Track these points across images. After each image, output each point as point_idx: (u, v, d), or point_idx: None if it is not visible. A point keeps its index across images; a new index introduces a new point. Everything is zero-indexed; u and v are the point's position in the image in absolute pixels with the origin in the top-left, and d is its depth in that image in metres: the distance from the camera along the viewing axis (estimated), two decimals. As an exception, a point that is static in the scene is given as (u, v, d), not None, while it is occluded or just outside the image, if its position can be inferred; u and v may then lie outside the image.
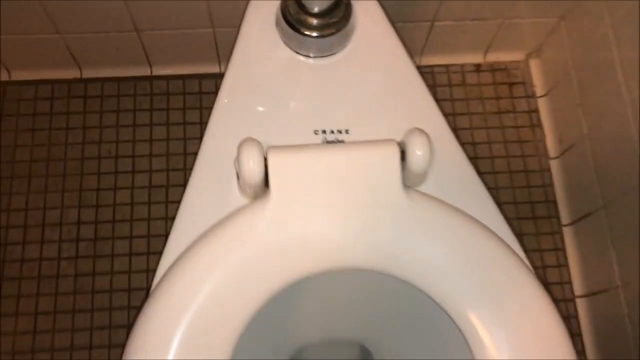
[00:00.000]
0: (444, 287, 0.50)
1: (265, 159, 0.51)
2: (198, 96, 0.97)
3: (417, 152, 0.51)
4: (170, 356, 0.47)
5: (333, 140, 0.56)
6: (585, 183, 0.87)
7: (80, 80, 0.96)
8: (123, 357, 0.49)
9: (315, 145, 0.55)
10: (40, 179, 0.92)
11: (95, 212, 0.91)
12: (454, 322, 0.50)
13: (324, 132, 0.56)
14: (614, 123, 0.79)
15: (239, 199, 0.54)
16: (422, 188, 0.55)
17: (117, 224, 0.90)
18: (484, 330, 0.48)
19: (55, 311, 0.87)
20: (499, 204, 0.94)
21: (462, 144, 0.98)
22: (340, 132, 0.56)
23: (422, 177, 0.54)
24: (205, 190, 0.55)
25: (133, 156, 0.93)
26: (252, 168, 0.50)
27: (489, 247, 0.50)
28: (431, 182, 0.55)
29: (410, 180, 0.53)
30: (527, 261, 0.53)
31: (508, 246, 0.51)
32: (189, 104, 0.96)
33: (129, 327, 0.85)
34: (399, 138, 0.54)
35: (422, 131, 0.52)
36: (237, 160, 0.51)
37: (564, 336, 0.49)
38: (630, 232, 0.76)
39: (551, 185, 0.95)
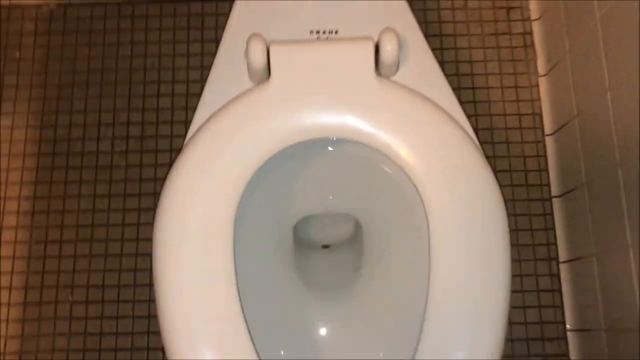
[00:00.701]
0: (403, 152, 0.64)
1: (268, 51, 0.66)
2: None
3: (387, 46, 0.65)
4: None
5: (324, 38, 0.70)
6: (564, 97, 0.98)
7: (128, 3, 1.11)
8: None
9: (309, 40, 0.69)
10: (95, 86, 1.08)
11: (142, 114, 1.07)
12: (412, 182, 0.65)
13: (317, 32, 0.70)
14: (586, 40, 0.90)
15: (249, 84, 0.69)
16: (394, 78, 0.69)
17: (160, 125, 1.07)
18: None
19: (110, 194, 1.05)
20: (491, 115, 1.08)
21: (460, 62, 1.09)
22: (331, 32, 0.70)
23: (393, 68, 0.68)
24: (223, 75, 0.70)
25: (173, 68, 1.09)
26: (257, 56, 0.64)
27: (441, 122, 0.64)
28: (401, 74, 0.69)
29: (384, 70, 0.67)
30: (475, 138, 0.66)
31: (458, 124, 0.65)
32: (220, 23, 1.10)
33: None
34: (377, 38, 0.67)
35: (393, 30, 0.65)
36: (246, 51, 0.65)
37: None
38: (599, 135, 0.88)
39: (538, 99, 1.07)
